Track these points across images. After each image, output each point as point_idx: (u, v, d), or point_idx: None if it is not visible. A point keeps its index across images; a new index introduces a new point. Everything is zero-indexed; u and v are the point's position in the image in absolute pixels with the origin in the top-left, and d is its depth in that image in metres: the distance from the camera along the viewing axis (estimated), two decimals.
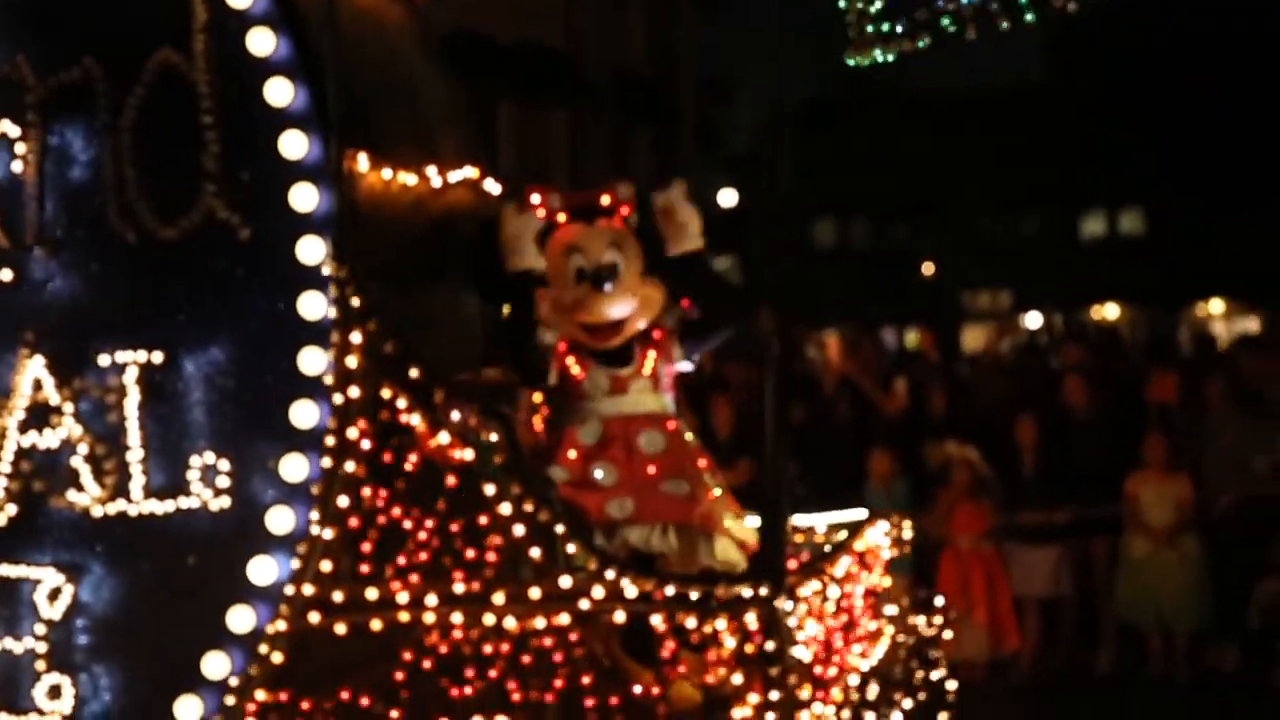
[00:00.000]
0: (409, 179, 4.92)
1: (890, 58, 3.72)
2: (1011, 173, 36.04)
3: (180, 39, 4.37)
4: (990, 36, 3.47)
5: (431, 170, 5.04)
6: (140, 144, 4.42)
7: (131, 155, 4.42)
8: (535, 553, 4.17)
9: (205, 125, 4.36)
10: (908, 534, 5.37)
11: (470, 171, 5.33)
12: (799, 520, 5.31)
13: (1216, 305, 33.37)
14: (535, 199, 4.85)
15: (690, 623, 4.06)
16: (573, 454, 4.60)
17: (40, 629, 4.50)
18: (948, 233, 37.44)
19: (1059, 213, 37.68)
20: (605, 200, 4.89)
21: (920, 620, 5.32)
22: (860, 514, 5.39)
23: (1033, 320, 35.30)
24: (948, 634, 5.25)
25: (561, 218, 4.86)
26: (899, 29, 3.59)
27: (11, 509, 4.51)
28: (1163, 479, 9.12)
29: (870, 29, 3.69)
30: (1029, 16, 3.44)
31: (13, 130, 4.50)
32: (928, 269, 37.41)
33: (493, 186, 5.51)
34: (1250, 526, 9.04)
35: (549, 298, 4.78)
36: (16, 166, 4.50)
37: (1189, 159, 30.38)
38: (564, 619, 4.16)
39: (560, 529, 4.14)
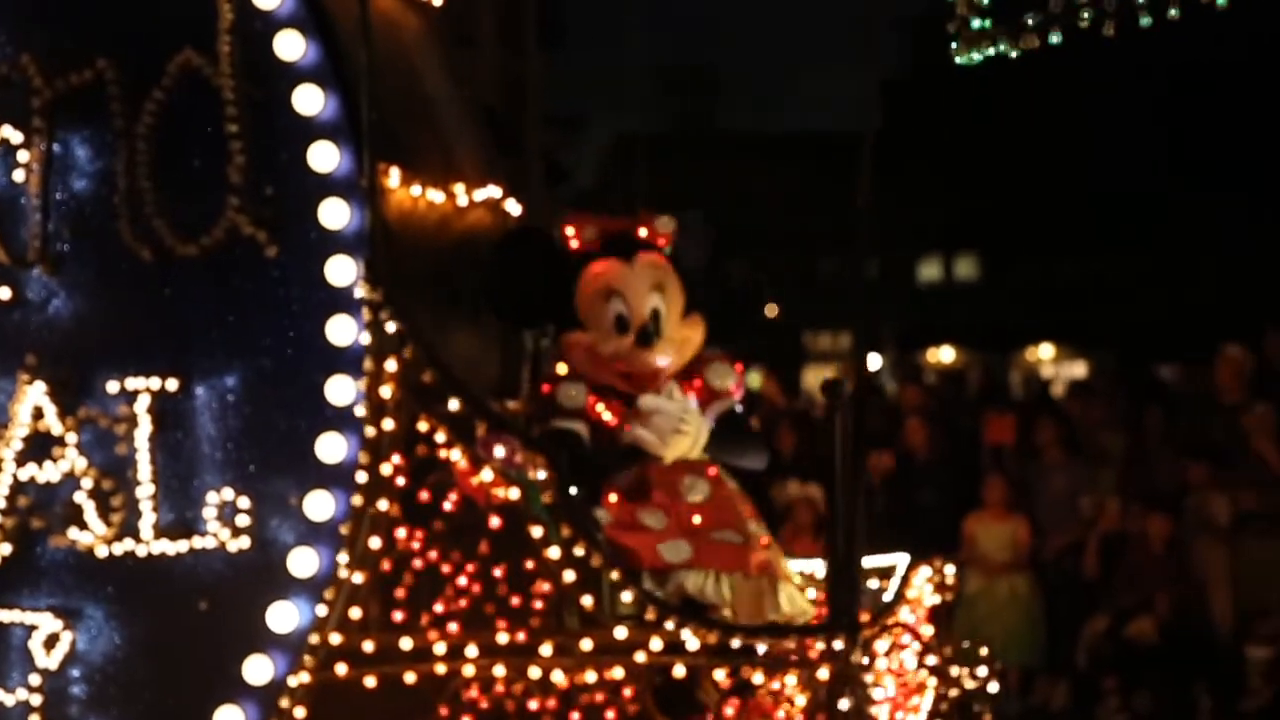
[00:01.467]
0: (436, 196, 4.62)
1: (1011, 52, 3.45)
2: (850, 215, 36.60)
3: (203, 40, 4.04)
4: (1131, 29, 3.21)
5: (459, 188, 4.74)
6: (158, 153, 4.08)
7: (148, 165, 4.08)
8: (586, 600, 3.84)
9: (230, 134, 4.02)
10: (951, 578, 5.08)
11: (494, 191, 5.03)
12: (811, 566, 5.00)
13: (1046, 350, 34.23)
14: (570, 230, 4.50)
15: (756, 678, 3.75)
16: (613, 498, 4.27)
17: (35, 680, 4.13)
18: (790, 274, 37.92)
19: (897, 256, 38.39)
20: (643, 232, 4.50)
21: (962, 671, 5.02)
22: (896, 558, 5.10)
23: (874, 362, 35.83)
24: (993, 687, 4.95)
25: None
26: (1029, 20, 3.31)
27: (5, 548, 4.14)
28: (1000, 519, 9.49)
29: (985, 21, 3.42)
30: (1172, 11, 3.18)
31: (15, 136, 4.16)
32: (771, 310, 37.85)
33: (513, 207, 5.21)
34: (1079, 567, 9.35)
35: (583, 345, 4.38)
36: (19, 176, 4.16)
37: (1022, 206, 31.06)
38: (618, 673, 3.83)
39: (614, 575, 3.82)
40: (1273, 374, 8.96)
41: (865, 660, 3.72)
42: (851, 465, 3.70)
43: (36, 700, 4.12)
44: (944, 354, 35.21)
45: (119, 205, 4.11)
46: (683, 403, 4.31)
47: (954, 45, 3.50)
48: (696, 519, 4.20)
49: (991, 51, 3.45)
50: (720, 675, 3.80)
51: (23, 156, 4.15)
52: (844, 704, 3.66)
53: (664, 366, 4.36)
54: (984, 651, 5.21)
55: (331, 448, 4.04)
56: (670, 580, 4.07)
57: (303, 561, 4.03)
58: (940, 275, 40.42)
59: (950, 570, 5.09)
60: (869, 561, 4.91)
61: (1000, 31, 3.40)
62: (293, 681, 3.96)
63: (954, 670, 5.04)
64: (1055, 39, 3.29)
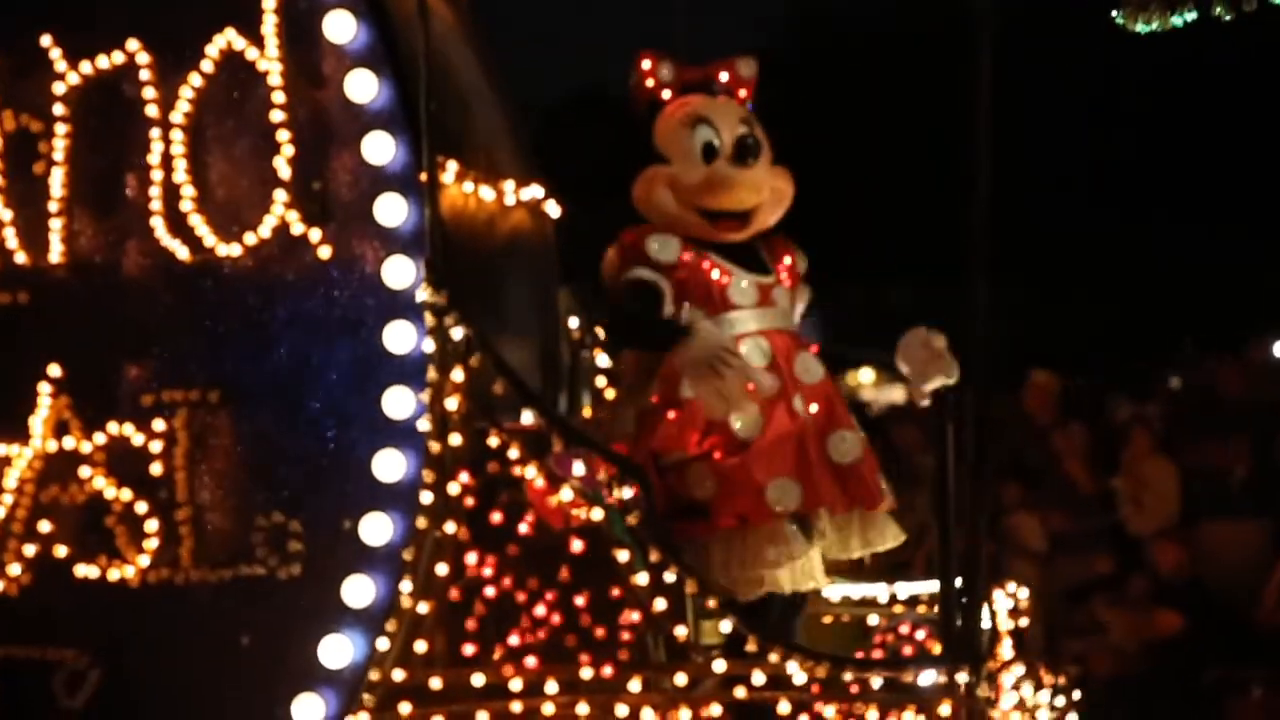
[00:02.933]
0: (487, 194, 4.29)
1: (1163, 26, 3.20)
2: None
3: (247, 20, 3.71)
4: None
5: (508, 185, 4.41)
6: (197, 144, 3.74)
7: (185, 158, 3.74)
8: (679, 631, 3.52)
9: (277, 123, 3.69)
10: (1024, 601, 4.82)
11: (537, 190, 4.70)
12: (856, 590, 4.70)
13: (866, 374, 34.87)
14: (645, 65, 4.01)
15: (871, 716, 3.45)
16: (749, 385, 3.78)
17: None
18: None
19: None
20: (724, 76, 4.07)
21: (1041, 697, 4.76)
22: (928, 585, 4.81)
23: None
24: (1073, 717, 4.68)
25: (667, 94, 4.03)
26: None
27: (25, 578, 3.78)
28: None
29: None
30: None
31: (36, 125, 3.81)
32: None
33: (553, 209, 4.89)
34: None
35: (663, 179, 3.91)
36: (40, 169, 3.80)
37: (844, 234, 31.56)
38: (715, 710, 3.51)
39: (711, 603, 3.50)
40: (1079, 400, 8.91)
41: (990, 694, 3.42)
42: (978, 478, 3.41)
43: None
44: None
45: (153, 201, 3.76)
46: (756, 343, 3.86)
47: (1119, 13, 3.24)
48: (814, 406, 3.86)
49: (1155, 25, 3.20)
50: (830, 713, 3.49)
51: (44, 148, 3.80)
52: None
53: (755, 206, 3.92)
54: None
55: (390, 465, 3.70)
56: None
57: (358, 590, 3.69)
58: None
59: (1024, 594, 4.83)
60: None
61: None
62: None
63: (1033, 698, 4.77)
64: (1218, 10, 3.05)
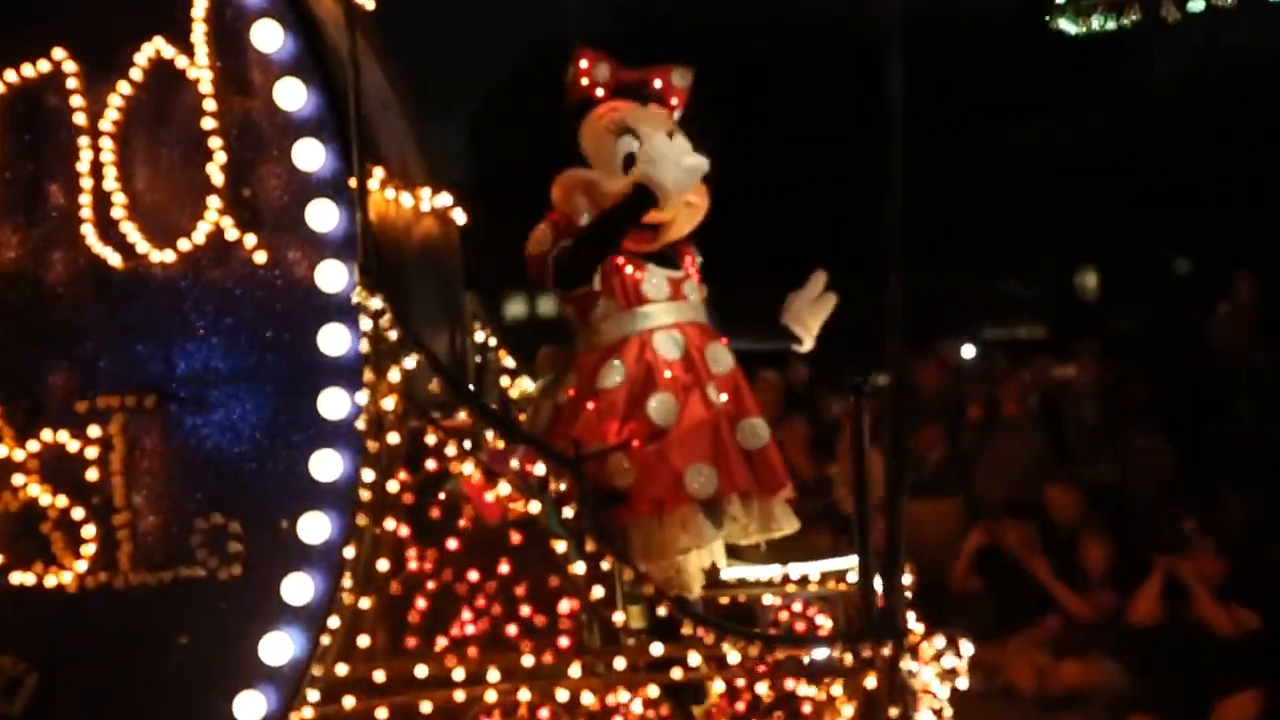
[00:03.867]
0: (406, 200, 4.38)
1: (1111, 25, 3.40)
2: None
3: (176, 29, 3.76)
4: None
5: (425, 193, 4.50)
6: (127, 152, 3.78)
7: (116, 165, 3.77)
8: (617, 617, 3.66)
9: (208, 130, 3.74)
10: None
11: (447, 198, 4.80)
12: (751, 572, 4.89)
13: None
14: (583, 64, 4.08)
15: (802, 690, 3.62)
16: (668, 375, 3.92)
17: None
18: None
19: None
20: (657, 84, 4.15)
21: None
22: (846, 561, 5.00)
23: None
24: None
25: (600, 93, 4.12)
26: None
27: None
28: None
29: None
30: None
31: None
32: None
33: (460, 216, 4.99)
34: None
35: (583, 181, 4.01)
36: None
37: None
38: (653, 692, 3.65)
39: (648, 589, 3.64)
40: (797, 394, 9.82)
41: (913, 667, 3.61)
42: (898, 458, 3.59)
43: None
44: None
45: (83, 209, 3.78)
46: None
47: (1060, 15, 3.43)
48: (724, 396, 3.99)
49: (1096, 25, 3.40)
50: (763, 688, 3.66)
51: None
52: (893, 713, 3.56)
53: (667, 221, 3.99)
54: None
55: (327, 465, 3.77)
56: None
57: (298, 588, 3.76)
58: (526, 311, 40.80)
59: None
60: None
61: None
62: (293, 717, 3.69)
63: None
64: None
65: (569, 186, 4.02)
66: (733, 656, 3.60)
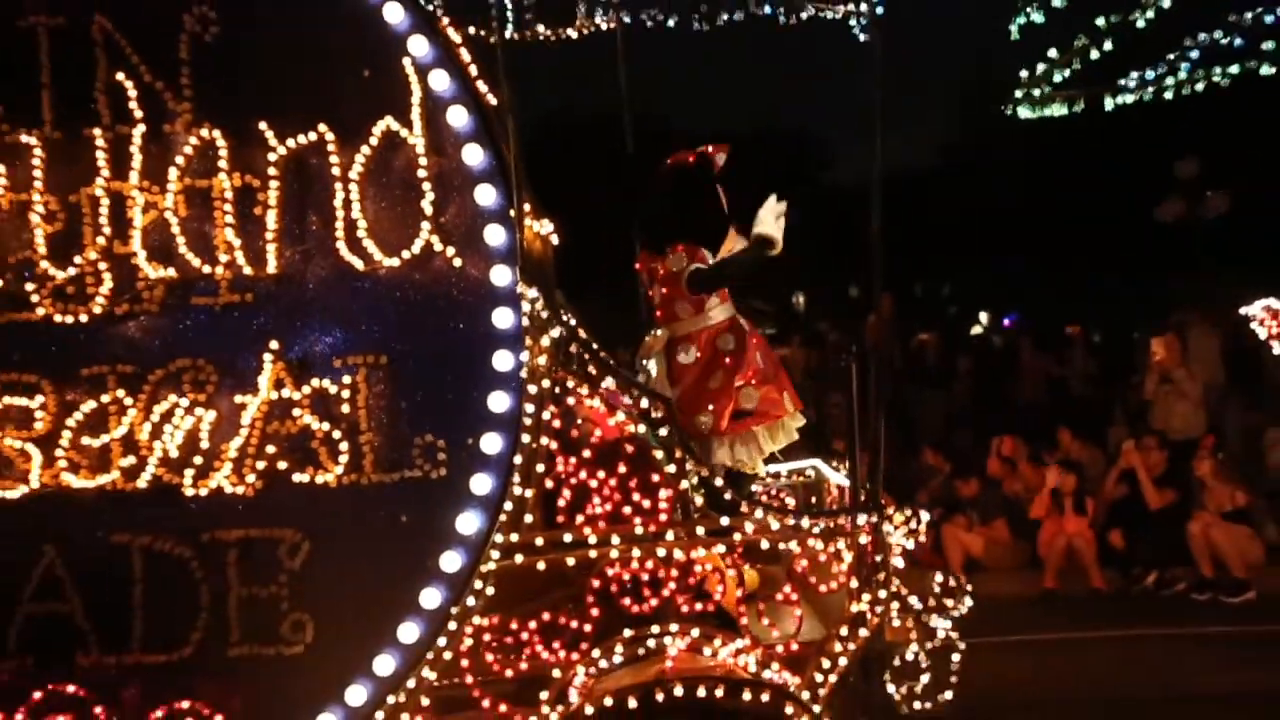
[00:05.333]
0: (538, 226, 6.24)
1: (1063, 112, 5.14)
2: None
3: (400, 110, 5.58)
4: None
5: (545, 222, 6.37)
6: (366, 192, 5.61)
7: (359, 201, 5.60)
8: (698, 500, 5.54)
9: (421, 178, 5.58)
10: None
11: (549, 224, 6.69)
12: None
13: None
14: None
15: (818, 545, 5.51)
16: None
17: (283, 578, 5.64)
18: None
19: None
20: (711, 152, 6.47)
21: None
22: (807, 463, 7.06)
23: None
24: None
25: None
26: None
27: (259, 483, 5.64)
28: None
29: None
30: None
31: (255, 182, 5.63)
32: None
33: (555, 239, 6.91)
34: None
35: None
36: (259, 211, 5.64)
37: None
38: (719, 549, 5.54)
39: (719, 481, 5.52)
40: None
41: (890, 529, 5.49)
42: (878, 373, 5.49)
43: (285, 593, 5.63)
44: None
45: (338, 230, 5.62)
46: None
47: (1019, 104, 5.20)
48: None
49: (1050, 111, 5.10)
50: (794, 545, 5.54)
51: (261, 197, 5.63)
52: (878, 558, 5.44)
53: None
54: None
55: (499, 401, 5.62)
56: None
57: (481, 483, 5.62)
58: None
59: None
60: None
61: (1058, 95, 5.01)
62: (482, 569, 5.56)
63: None
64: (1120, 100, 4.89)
65: None
66: (774, 525, 5.50)
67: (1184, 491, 12.45)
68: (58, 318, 5.65)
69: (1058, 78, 5.16)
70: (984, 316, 36.29)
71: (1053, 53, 5.11)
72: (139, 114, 5.63)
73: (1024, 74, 5.26)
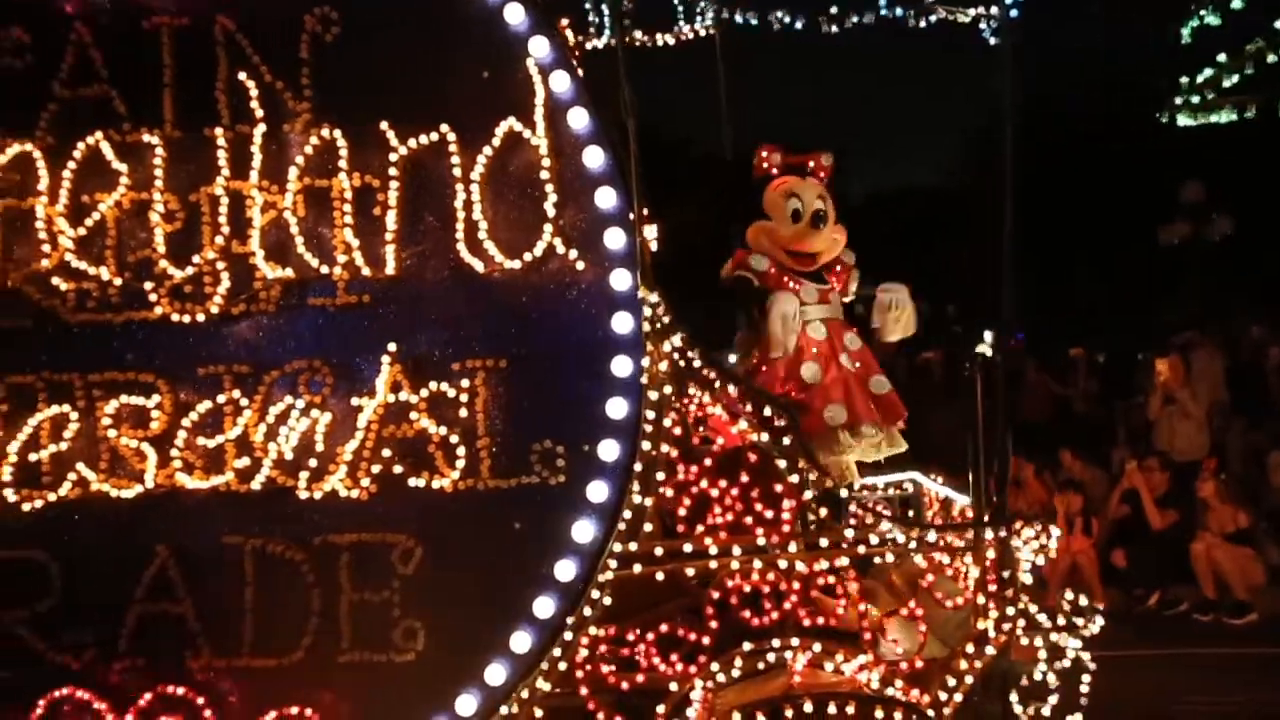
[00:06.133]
0: (646, 231, 6.16)
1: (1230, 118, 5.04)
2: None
3: (523, 111, 5.51)
4: None
5: (653, 226, 6.30)
6: (488, 194, 5.55)
7: (480, 203, 5.54)
8: (822, 511, 5.42)
9: (545, 180, 5.51)
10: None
11: (654, 229, 6.63)
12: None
13: None
14: (764, 153, 6.49)
15: (944, 559, 5.37)
16: (814, 350, 6.23)
17: (396, 584, 5.56)
18: None
19: None
20: (812, 164, 6.50)
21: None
22: (905, 476, 6.96)
23: None
24: None
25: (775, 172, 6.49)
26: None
27: (374, 488, 5.57)
28: None
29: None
30: None
31: (375, 182, 5.58)
32: None
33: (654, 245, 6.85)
34: None
35: (765, 230, 6.40)
36: (378, 211, 5.59)
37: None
38: (843, 561, 5.41)
39: (844, 494, 5.40)
40: None
41: (1017, 543, 5.35)
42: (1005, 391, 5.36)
43: (397, 598, 5.55)
44: None
45: (458, 232, 5.55)
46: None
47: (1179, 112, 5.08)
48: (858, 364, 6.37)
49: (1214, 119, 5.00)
50: (920, 560, 5.40)
51: (380, 197, 5.58)
52: (1005, 574, 5.29)
53: (820, 250, 6.36)
54: None
55: (617, 408, 5.53)
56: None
57: (597, 491, 5.52)
58: None
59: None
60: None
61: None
62: (599, 579, 5.46)
63: None
64: None
65: (757, 231, 6.40)
66: (899, 537, 5.37)
67: (1187, 512, 12.39)
68: (175, 317, 5.62)
69: (1226, 83, 5.06)
70: (988, 335, 35.89)
71: (1222, 57, 4.98)
72: (259, 113, 5.60)
73: (1184, 80, 5.14)
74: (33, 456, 5.61)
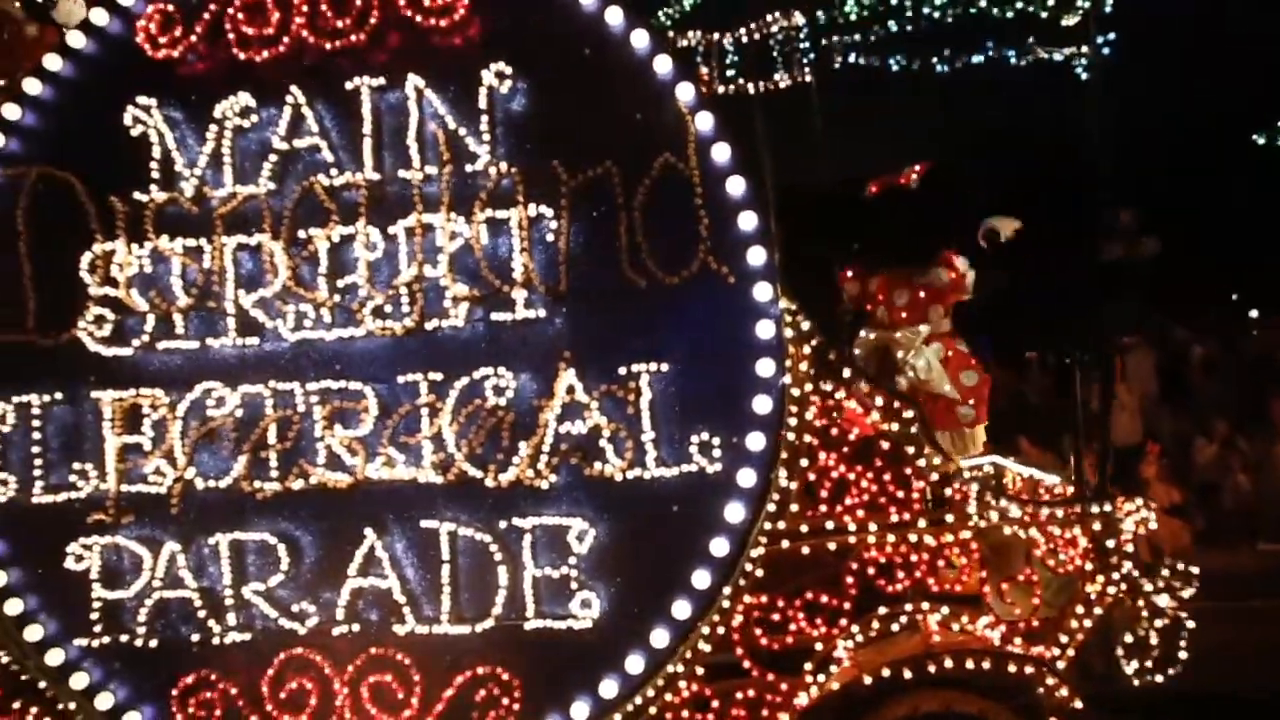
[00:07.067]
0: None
1: None
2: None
3: (677, 146, 6.32)
4: None
5: None
6: (647, 219, 6.37)
7: (640, 227, 6.36)
8: (948, 491, 6.18)
9: (698, 206, 6.31)
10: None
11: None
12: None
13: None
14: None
15: (1055, 530, 6.12)
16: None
17: (573, 560, 6.41)
18: None
19: None
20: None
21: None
22: (985, 460, 7.62)
23: None
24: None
25: None
26: None
27: (554, 477, 6.42)
28: None
29: None
30: None
31: (548, 212, 6.43)
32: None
33: None
34: None
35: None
36: (550, 237, 6.44)
37: None
38: (965, 534, 6.18)
39: (966, 474, 6.17)
40: None
41: (1120, 517, 6.08)
42: (1106, 379, 6.08)
43: (574, 574, 6.40)
44: None
45: (620, 252, 6.39)
46: None
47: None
48: None
49: None
50: (1035, 532, 6.15)
51: (553, 225, 6.44)
52: (1110, 543, 6.03)
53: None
54: None
55: (761, 405, 6.31)
56: None
57: (747, 477, 6.32)
58: None
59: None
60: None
61: None
62: (751, 554, 6.26)
63: None
64: None
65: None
66: (1015, 512, 6.12)
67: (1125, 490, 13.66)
68: (378, 333, 6.53)
69: None
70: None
71: None
72: (445, 156, 6.49)
73: None
74: (263, 454, 6.57)
